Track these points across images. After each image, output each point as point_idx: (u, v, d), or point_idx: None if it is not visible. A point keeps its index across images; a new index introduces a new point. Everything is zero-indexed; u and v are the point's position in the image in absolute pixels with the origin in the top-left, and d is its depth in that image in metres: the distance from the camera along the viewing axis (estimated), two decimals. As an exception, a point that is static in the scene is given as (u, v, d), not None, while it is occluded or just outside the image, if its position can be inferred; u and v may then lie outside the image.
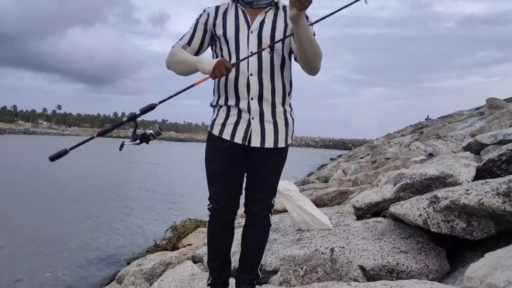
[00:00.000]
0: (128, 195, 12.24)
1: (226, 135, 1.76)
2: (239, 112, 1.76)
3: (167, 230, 6.06)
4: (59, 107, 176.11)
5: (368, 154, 13.10)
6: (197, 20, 1.85)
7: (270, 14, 1.81)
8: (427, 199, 2.21)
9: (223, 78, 1.75)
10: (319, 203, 3.87)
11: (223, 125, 1.77)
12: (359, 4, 1.80)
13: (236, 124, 1.76)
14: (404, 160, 5.41)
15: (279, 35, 1.77)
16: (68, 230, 7.71)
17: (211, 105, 1.87)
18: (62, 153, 1.70)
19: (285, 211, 3.42)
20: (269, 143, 1.78)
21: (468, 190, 2.07)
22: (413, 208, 2.23)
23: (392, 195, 2.95)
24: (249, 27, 1.78)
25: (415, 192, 2.89)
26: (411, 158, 5.68)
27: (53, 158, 1.70)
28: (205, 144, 1.89)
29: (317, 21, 1.76)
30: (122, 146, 1.73)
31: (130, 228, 8.11)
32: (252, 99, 1.75)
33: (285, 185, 2.68)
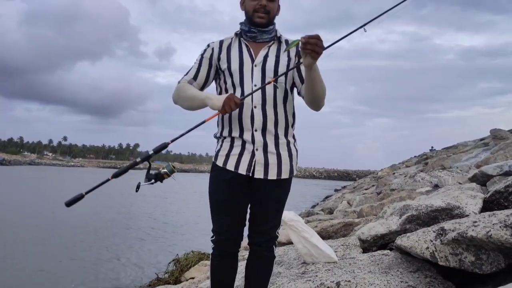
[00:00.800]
0: (130, 226, 12.11)
1: (230, 166, 1.76)
2: (243, 143, 1.78)
3: (169, 263, 5.95)
4: (64, 138, 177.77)
5: (373, 185, 12.99)
6: (202, 55, 1.88)
7: (273, 48, 1.86)
8: (434, 231, 2.18)
9: (228, 119, 1.79)
10: (324, 235, 3.82)
11: (227, 156, 1.78)
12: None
13: (240, 155, 1.77)
14: (410, 191, 5.37)
15: (282, 69, 1.81)
16: (68, 262, 7.59)
17: (215, 137, 1.89)
18: (78, 198, 1.68)
19: (290, 243, 3.37)
20: (272, 175, 1.79)
21: (475, 222, 2.04)
22: (420, 241, 2.19)
23: (398, 227, 2.91)
24: (253, 60, 1.82)
25: (421, 224, 2.85)
26: (417, 189, 5.63)
27: (69, 204, 1.69)
28: (208, 175, 1.89)
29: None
30: (138, 187, 1.70)
31: (132, 260, 7.98)
32: (256, 130, 1.76)
33: (290, 216, 2.65)
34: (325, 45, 1.66)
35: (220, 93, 1.86)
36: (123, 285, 6.32)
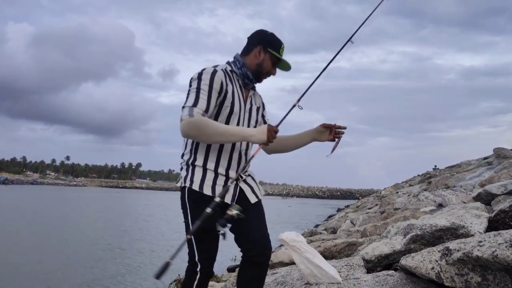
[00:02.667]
0: (132, 245, 12.01)
1: (219, 195, 1.73)
2: (227, 178, 1.88)
3: (170, 284, 5.87)
4: (67, 157, 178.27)
5: (376, 205, 12.89)
6: (211, 86, 1.79)
7: (254, 95, 2.07)
8: (439, 251, 2.15)
9: (214, 147, 1.84)
10: (327, 255, 3.76)
11: (213, 187, 1.81)
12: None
13: (225, 186, 1.83)
14: (413, 211, 5.32)
15: (259, 115, 2.08)
16: (70, 282, 7.50)
17: (191, 164, 1.84)
18: (165, 267, 1.59)
19: (293, 263, 3.32)
20: (255, 199, 1.97)
21: (480, 241, 2.01)
22: (425, 261, 2.16)
23: (403, 247, 2.87)
24: (245, 103, 1.97)
25: (426, 243, 2.81)
26: (421, 209, 5.58)
27: (158, 275, 1.59)
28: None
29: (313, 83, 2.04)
30: (220, 232, 1.74)
31: (133, 280, 7.87)
32: (239, 170, 1.91)
33: (293, 236, 2.62)
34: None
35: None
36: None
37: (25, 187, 71.93)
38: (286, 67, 2.04)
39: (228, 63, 1.97)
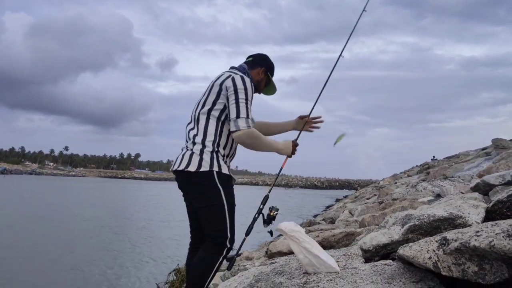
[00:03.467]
0: (129, 235, 12.06)
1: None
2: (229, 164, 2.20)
3: (170, 273, 5.91)
4: (66, 148, 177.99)
5: (375, 195, 12.94)
6: (252, 97, 2.09)
7: None
8: (436, 241, 2.16)
9: (229, 139, 2.10)
10: (326, 244, 3.79)
11: (227, 168, 2.09)
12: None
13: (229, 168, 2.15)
14: (412, 201, 5.34)
15: None
16: (67, 271, 7.54)
17: (215, 152, 2.05)
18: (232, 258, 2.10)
19: (291, 253, 3.34)
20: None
21: (478, 231, 2.03)
22: (422, 251, 2.17)
23: (400, 237, 2.89)
24: None
25: (423, 233, 2.83)
26: (419, 199, 5.60)
27: (230, 257, 2.07)
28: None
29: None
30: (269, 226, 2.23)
31: (132, 269, 7.93)
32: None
33: (291, 226, 2.63)
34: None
35: (221, 122, 2.10)
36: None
37: (24, 177, 71.98)
38: (271, 90, 2.35)
39: (243, 72, 2.16)
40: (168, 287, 5.63)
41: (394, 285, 2.24)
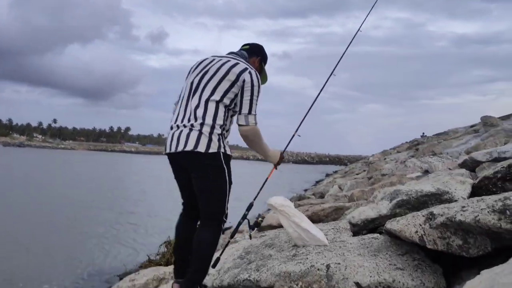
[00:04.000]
0: (121, 208, 12.12)
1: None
2: None
3: (161, 245, 5.98)
4: (54, 121, 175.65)
5: (364, 170, 13.10)
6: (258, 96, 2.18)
7: None
8: (423, 216, 2.21)
9: (229, 126, 2.18)
10: (315, 219, 3.85)
11: (229, 149, 2.16)
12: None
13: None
14: (400, 177, 5.42)
15: None
16: (59, 243, 7.60)
17: (219, 134, 2.09)
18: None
19: (281, 226, 3.39)
20: None
21: (464, 207, 2.07)
22: (409, 225, 2.22)
23: (388, 211, 2.94)
24: None
25: (411, 208, 2.88)
26: (407, 175, 5.69)
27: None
28: None
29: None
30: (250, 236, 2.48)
31: (123, 242, 8.01)
32: None
33: (281, 201, 2.66)
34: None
35: (228, 110, 2.15)
36: (114, 266, 6.35)
37: (12, 150, 71.27)
38: (263, 80, 2.38)
39: (246, 61, 2.24)
40: (159, 258, 5.72)
41: (381, 258, 2.30)
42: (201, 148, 2.00)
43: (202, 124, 2.05)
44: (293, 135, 2.67)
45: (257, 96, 2.12)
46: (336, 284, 2.06)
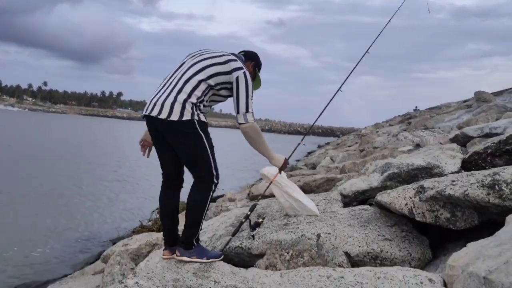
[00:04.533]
0: (113, 174, 12.14)
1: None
2: None
3: (153, 211, 6.04)
4: (45, 83, 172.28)
5: (356, 143, 13.19)
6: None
7: None
8: (413, 189, 2.24)
9: (207, 105, 2.21)
10: (307, 189, 3.90)
11: (204, 117, 2.20)
12: None
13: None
14: (392, 150, 5.47)
15: None
16: (51, 208, 7.64)
17: (194, 104, 2.12)
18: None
19: (273, 196, 3.43)
20: None
21: (454, 181, 2.11)
22: (400, 197, 2.26)
23: (379, 184, 2.98)
24: None
25: (401, 181, 2.93)
26: (399, 148, 5.74)
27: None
28: None
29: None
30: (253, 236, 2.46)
31: (115, 208, 8.07)
32: None
33: (273, 171, 2.68)
34: None
35: (211, 89, 2.19)
36: (107, 231, 6.43)
37: (2, 111, 70.21)
38: (257, 85, 2.48)
39: (241, 62, 2.31)
40: (151, 224, 5.80)
41: (370, 229, 2.35)
42: (174, 117, 2.05)
43: (179, 92, 2.11)
44: (299, 144, 2.96)
45: (251, 96, 2.23)
46: (326, 253, 2.12)
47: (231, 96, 2.26)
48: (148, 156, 2.48)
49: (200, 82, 2.14)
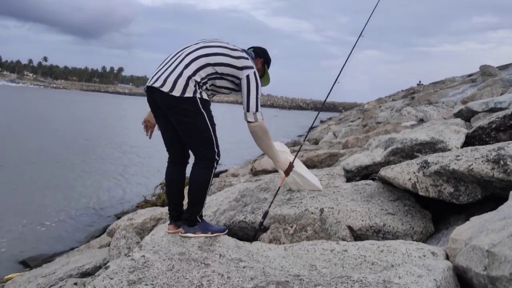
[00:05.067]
0: (117, 150, 12.21)
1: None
2: None
3: (156, 187, 6.11)
4: (45, 58, 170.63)
5: (359, 118, 13.14)
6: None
7: None
8: (417, 164, 2.24)
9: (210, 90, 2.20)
10: (310, 164, 3.91)
11: (207, 95, 2.18)
12: None
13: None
14: (395, 125, 5.45)
15: None
16: (57, 183, 7.72)
17: (197, 82, 2.09)
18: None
19: (275, 171, 3.45)
20: None
21: (458, 156, 2.10)
22: (403, 172, 2.26)
23: (382, 158, 2.98)
24: None
25: (405, 156, 2.93)
26: (402, 123, 5.72)
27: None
28: None
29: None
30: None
31: (119, 183, 8.16)
32: None
33: (277, 146, 2.67)
34: None
35: (214, 77, 2.16)
36: (111, 206, 6.52)
37: (4, 86, 69.94)
38: (266, 81, 2.49)
39: (252, 58, 2.30)
40: (155, 199, 5.87)
41: (373, 203, 2.37)
42: (176, 93, 2.03)
43: (184, 67, 2.08)
44: (298, 151, 2.96)
45: (260, 95, 2.25)
46: (329, 227, 2.14)
47: (234, 90, 2.26)
48: (150, 137, 2.46)
49: (207, 64, 2.11)
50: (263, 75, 2.48)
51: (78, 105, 35.17)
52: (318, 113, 3.13)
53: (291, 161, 2.55)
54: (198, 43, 2.21)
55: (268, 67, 2.52)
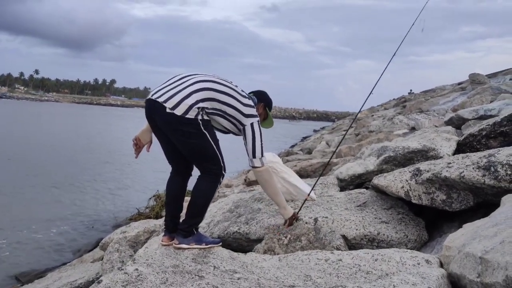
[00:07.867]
0: (110, 162, 12.13)
1: None
2: None
3: (150, 199, 6.06)
4: (36, 71, 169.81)
5: (352, 127, 13.20)
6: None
7: None
8: (409, 172, 2.26)
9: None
10: (303, 174, 3.92)
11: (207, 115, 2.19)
12: None
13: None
14: (387, 133, 5.49)
15: None
16: (48, 196, 7.64)
17: (203, 109, 2.09)
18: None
19: (269, 181, 3.44)
20: None
21: (449, 163, 2.12)
22: (396, 180, 2.27)
23: (375, 167, 3.00)
24: None
25: (397, 164, 2.95)
26: (394, 131, 5.76)
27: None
28: None
29: None
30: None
31: (112, 196, 8.09)
32: None
33: (269, 157, 2.68)
34: None
35: (215, 112, 2.16)
36: (104, 218, 6.46)
37: (-6, 102, 69.41)
38: (269, 123, 2.54)
39: (254, 104, 2.34)
40: (148, 211, 5.82)
41: (367, 212, 2.37)
42: (179, 111, 2.00)
43: (195, 91, 2.07)
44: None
45: (263, 141, 2.31)
46: (323, 236, 2.13)
47: (231, 132, 2.28)
48: (136, 157, 2.42)
49: (215, 100, 2.12)
50: (266, 118, 2.54)
51: (68, 118, 34.97)
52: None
53: (295, 213, 2.45)
54: (207, 75, 2.22)
55: (270, 110, 2.56)
